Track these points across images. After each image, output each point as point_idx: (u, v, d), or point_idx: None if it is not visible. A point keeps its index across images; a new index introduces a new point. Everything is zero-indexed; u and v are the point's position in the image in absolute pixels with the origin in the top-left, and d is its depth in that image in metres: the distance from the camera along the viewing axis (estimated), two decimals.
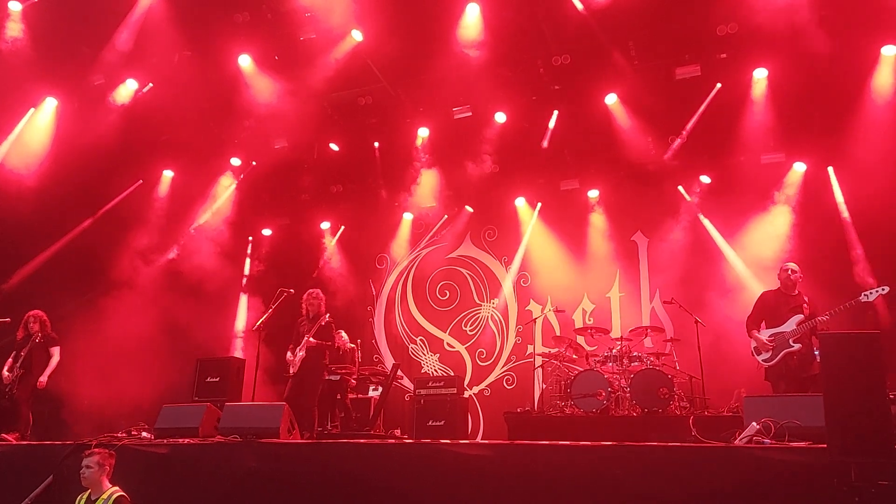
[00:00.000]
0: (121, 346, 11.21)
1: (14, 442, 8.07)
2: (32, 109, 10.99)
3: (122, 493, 5.70)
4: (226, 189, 12.98)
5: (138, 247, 12.09)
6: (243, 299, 13.82)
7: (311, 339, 8.81)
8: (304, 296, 9.24)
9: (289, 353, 8.95)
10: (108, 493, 5.69)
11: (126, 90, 11.05)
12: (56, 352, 8.99)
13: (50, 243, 11.66)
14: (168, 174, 12.78)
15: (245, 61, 10.70)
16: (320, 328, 8.91)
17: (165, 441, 7.02)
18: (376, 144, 12.77)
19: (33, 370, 8.79)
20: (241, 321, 13.53)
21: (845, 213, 10.28)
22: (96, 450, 5.88)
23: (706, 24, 9.53)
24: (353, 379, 10.66)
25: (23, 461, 7.20)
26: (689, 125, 10.79)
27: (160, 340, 11.62)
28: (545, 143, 11.54)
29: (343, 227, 14.04)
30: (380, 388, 10.98)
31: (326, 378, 10.61)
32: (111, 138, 10.92)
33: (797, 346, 7.23)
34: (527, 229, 12.78)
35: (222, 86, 10.89)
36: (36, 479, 6.77)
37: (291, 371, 8.82)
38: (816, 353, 7.13)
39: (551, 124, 11.44)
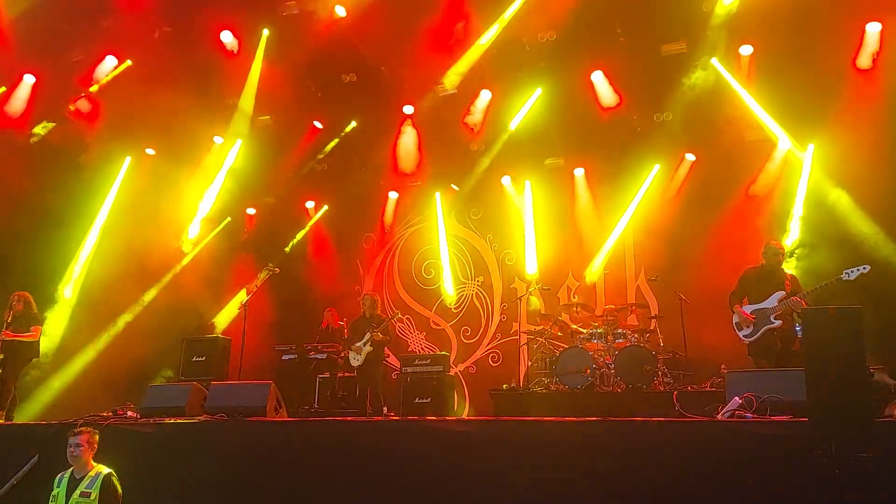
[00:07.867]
0: (105, 325, 11.16)
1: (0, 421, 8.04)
2: None
3: (110, 471, 5.68)
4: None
5: (120, 223, 11.95)
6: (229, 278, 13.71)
7: (379, 334, 9.45)
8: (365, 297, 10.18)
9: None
10: (95, 471, 5.67)
11: (105, 67, 10.89)
12: (37, 331, 8.88)
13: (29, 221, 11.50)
14: (150, 152, 12.60)
15: (227, 37, 10.55)
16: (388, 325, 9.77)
17: (151, 420, 7.01)
18: (356, 123, 12.69)
19: (18, 350, 8.72)
20: (226, 300, 13.43)
21: (825, 192, 10.33)
22: (83, 429, 5.84)
23: (692, 2, 9.50)
24: (341, 357, 10.68)
25: (8, 441, 7.18)
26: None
27: (143, 320, 11.56)
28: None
29: (327, 206, 13.97)
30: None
31: (313, 356, 10.67)
32: (91, 115, 10.77)
33: (778, 323, 7.27)
34: (512, 207, 12.77)
35: (204, 62, 10.74)
36: (21, 458, 6.76)
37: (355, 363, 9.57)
38: (798, 329, 7.20)
39: (535, 101, 11.42)
